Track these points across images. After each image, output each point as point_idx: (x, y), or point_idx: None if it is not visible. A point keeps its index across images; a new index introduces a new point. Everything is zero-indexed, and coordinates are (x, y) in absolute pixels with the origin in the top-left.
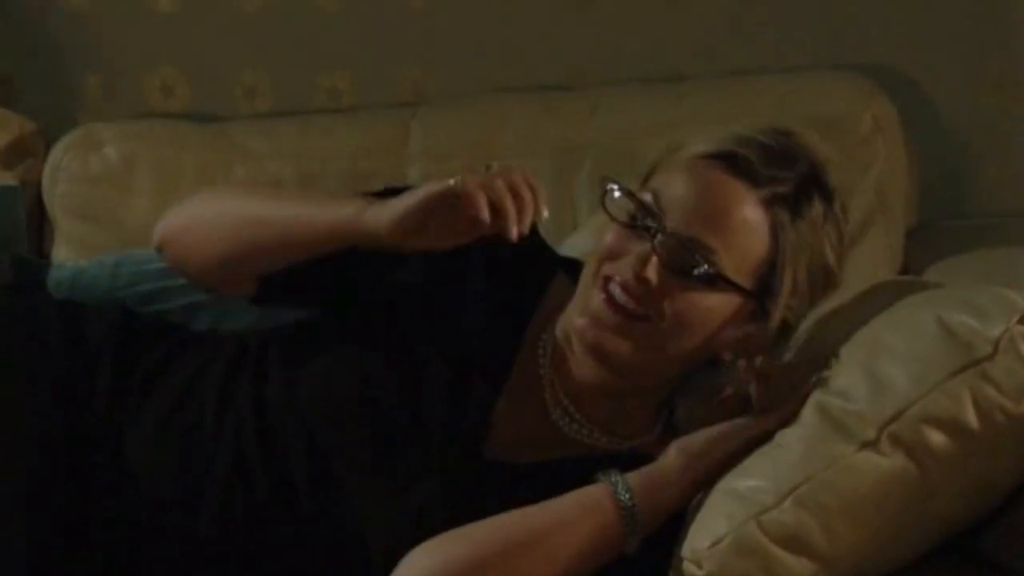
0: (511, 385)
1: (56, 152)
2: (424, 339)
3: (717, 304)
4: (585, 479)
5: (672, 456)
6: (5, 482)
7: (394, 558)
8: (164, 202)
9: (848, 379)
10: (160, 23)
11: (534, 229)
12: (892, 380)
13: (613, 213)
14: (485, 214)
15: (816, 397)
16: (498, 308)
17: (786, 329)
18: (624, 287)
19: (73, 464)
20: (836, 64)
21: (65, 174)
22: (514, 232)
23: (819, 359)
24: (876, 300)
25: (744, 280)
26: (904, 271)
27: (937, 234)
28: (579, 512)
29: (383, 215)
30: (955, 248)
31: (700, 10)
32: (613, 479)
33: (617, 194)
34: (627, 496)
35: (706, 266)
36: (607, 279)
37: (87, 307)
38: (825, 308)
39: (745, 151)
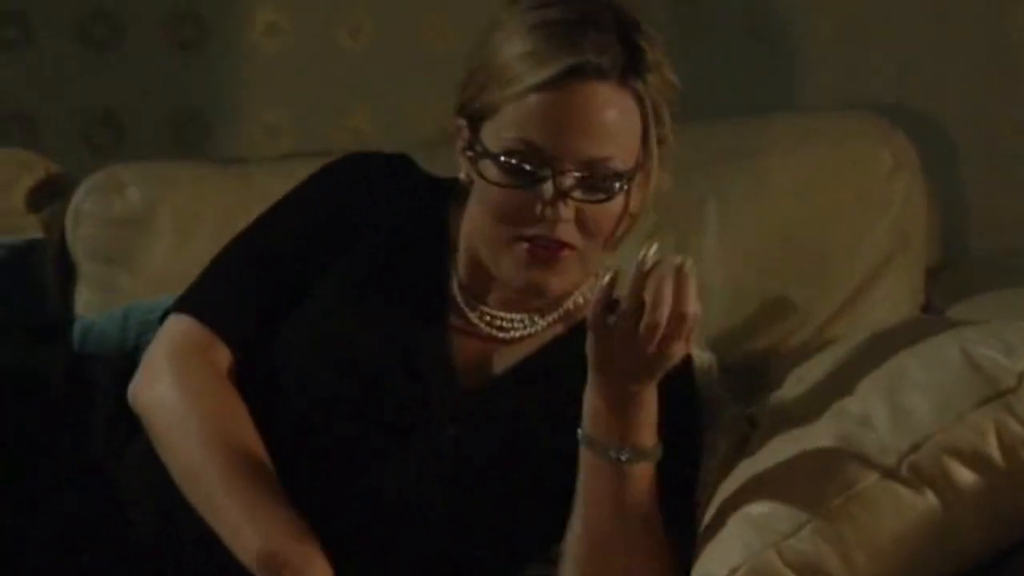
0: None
1: (79, 194)
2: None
3: (624, 196)
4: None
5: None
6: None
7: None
8: (186, 243)
9: (869, 407)
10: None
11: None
12: (914, 410)
13: (491, 177)
14: None
15: (836, 423)
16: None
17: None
18: (546, 236)
19: (73, 488)
20: (854, 103)
21: (88, 216)
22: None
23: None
24: (898, 335)
25: (635, 161)
26: (926, 310)
27: (958, 272)
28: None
29: None
30: (977, 286)
31: (717, 49)
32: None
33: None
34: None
35: (616, 182)
36: (522, 237)
37: (95, 358)
38: (847, 343)
39: (575, 55)
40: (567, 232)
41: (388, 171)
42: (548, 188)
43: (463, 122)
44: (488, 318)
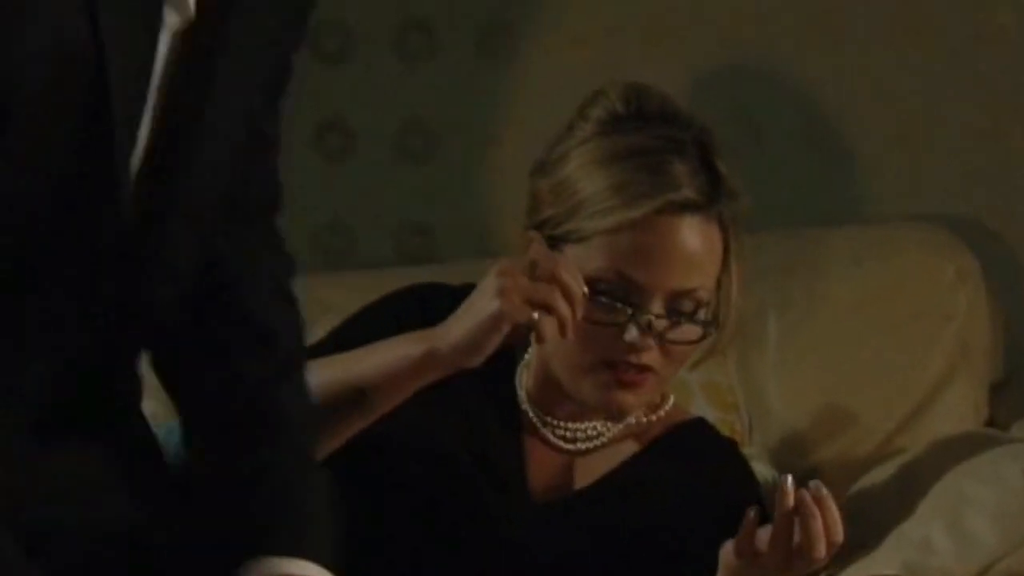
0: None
1: None
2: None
3: (705, 319)
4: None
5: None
6: None
7: None
8: None
9: (931, 531)
10: None
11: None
12: (978, 534)
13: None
14: (543, 332)
15: (898, 550)
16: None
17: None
18: (627, 369)
19: None
20: (917, 215)
21: None
22: (569, 332)
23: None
24: (960, 451)
25: (717, 285)
26: (989, 424)
27: (1022, 388)
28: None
29: (453, 347)
30: None
31: (775, 160)
32: None
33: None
34: None
35: (699, 308)
36: (604, 364)
37: None
38: (908, 459)
39: (668, 189)
40: (651, 358)
41: (438, 298)
42: (636, 321)
43: (537, 236)
44: (560, 430)
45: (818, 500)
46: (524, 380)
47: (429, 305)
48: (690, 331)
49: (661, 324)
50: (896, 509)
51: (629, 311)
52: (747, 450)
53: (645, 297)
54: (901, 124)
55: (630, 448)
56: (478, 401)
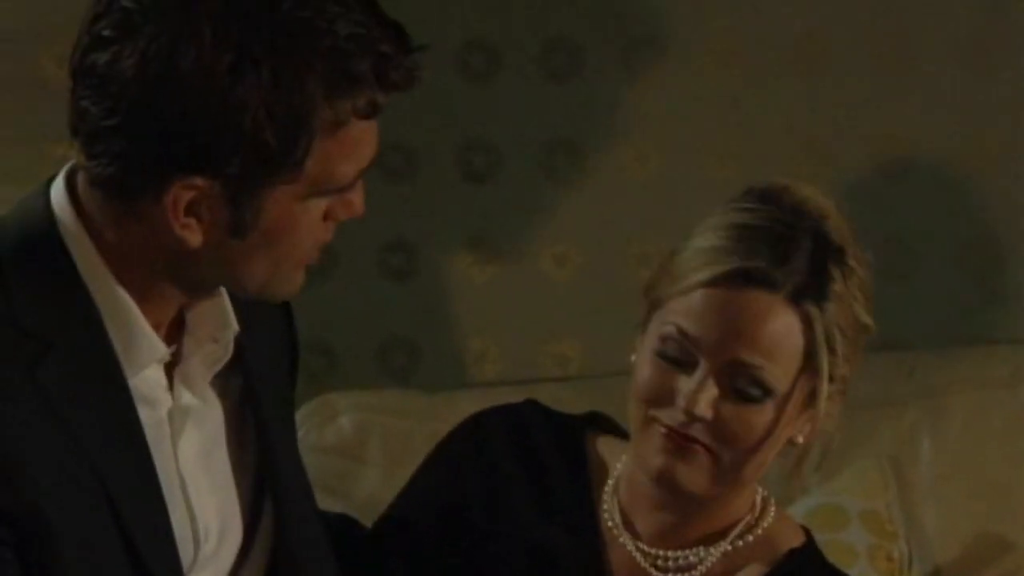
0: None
1: None
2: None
3: (773, 415)
4: None
5: None
6: None
7: None
8: (393, 473)
9: None
10: None
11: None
12: None
13: (642, 359)
14: None
15: None
16: (555, 507)
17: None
18: (682, 432)
19: None
20: None
21: (301, 445)
22: None
23: None
24: None
25: (792, 382)
26: None
27: None
28: None
29: None
30: None
31: (928, 281)
32: None
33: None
34: None
35: (758, 388)
36: (657, 420)
37: None
38: None
39: (750, 259)
40: (700, 430)
41: (508, 426)
42: (691, 376)
43: (645, 306)
44: (652, 557)
45: None
46: (611, 495)
47: (520, 424)
48: (747, 413)
49: (712, 375)
50: None
51: (689, 360)
52: None
53: (704, 358)
54: None
55: (757, 571)
56: (558, 531)
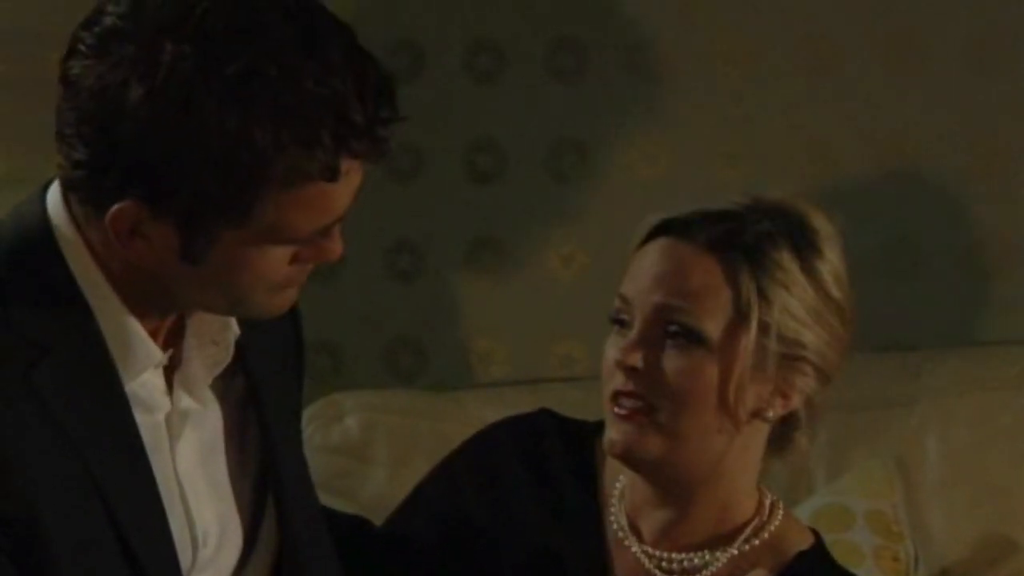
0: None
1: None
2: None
3: (711, 367)
4: None
5: None
6: None
7: None
8: (399, 473)
9: None
10: None
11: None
12: None
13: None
14: None
15: None
16: (563, 512)
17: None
18: (623, 391)
19: None
20: None
21: (307, 445)
22: None
23: None
24: None
25: (722, 331)
26: None
27: None
28: None
29: None
30: None
31: (931, 281)
32: None
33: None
34: None
35: (682, 330)
36: (613, 395)
37: None
38: None
39: (678, 216)
40: (639, 384)
41: (519, 435)
42: (623, 335)
43: None
44: (657, 560)
45: None
46: (618, 501)
47: (533, 433)
48: (678, 360)
49: (639, 341)
50: None
51: (625, 320)
52: None
53: (633, 315)
54: None
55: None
56: (567, 538)
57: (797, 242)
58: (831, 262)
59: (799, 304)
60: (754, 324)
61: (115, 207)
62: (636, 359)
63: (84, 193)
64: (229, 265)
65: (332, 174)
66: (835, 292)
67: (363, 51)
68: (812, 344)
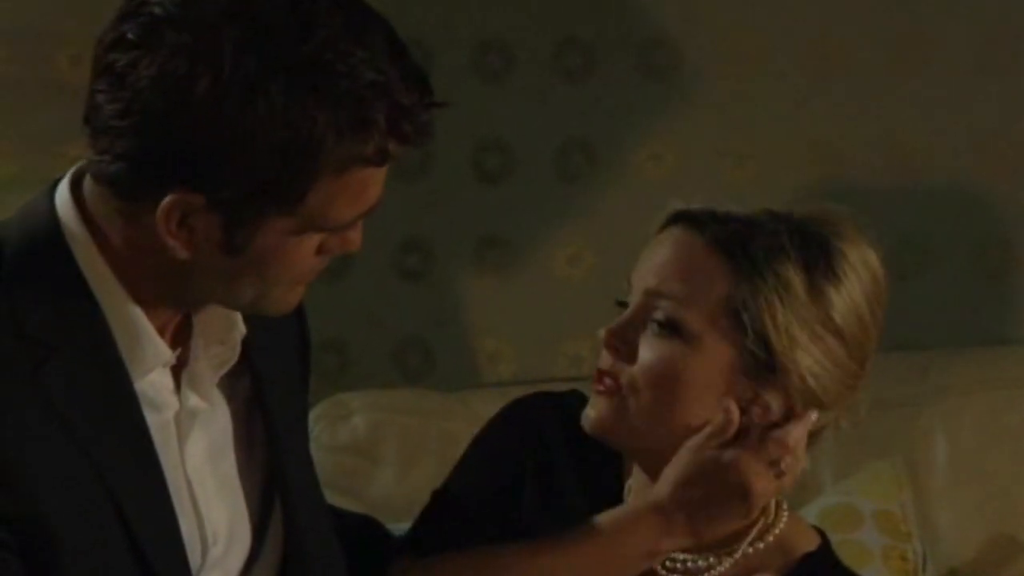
0: None
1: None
2: None
3: (681, 354)
4: None
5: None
6: None
7: None
8: (407, 472)
9: None
10: None
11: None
12: None
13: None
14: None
15: None
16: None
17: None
18: (604, 369)
19: None
20: None
21: (313, 443)
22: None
23: None
24: None
25: (707, 326)
26: None
27: None
28: None
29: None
30: None
31: (941, 281)
32: None
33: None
34: None
35: (666, 319)
36: (597, 371)
37: None
38: None
39: (697, 209)
40: (617, 359)
41: (560, 413)
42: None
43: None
44: (662, 560)
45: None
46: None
47: (565, 412)
48: (660, 347)
49: (626, 320)
50: None
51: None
52: None
53: (633, 296)
54: None
55: None
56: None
57: (810, 261)
58: (848, 291)
59: (795, 321)
60: (741, 328)
61: (168, 197)
62: (619, 340)
63: (122, 186)
64: (265, 255)
65: (383, 157)
66: (840, 319)
67: (400, 38)
68: (804, 363)
